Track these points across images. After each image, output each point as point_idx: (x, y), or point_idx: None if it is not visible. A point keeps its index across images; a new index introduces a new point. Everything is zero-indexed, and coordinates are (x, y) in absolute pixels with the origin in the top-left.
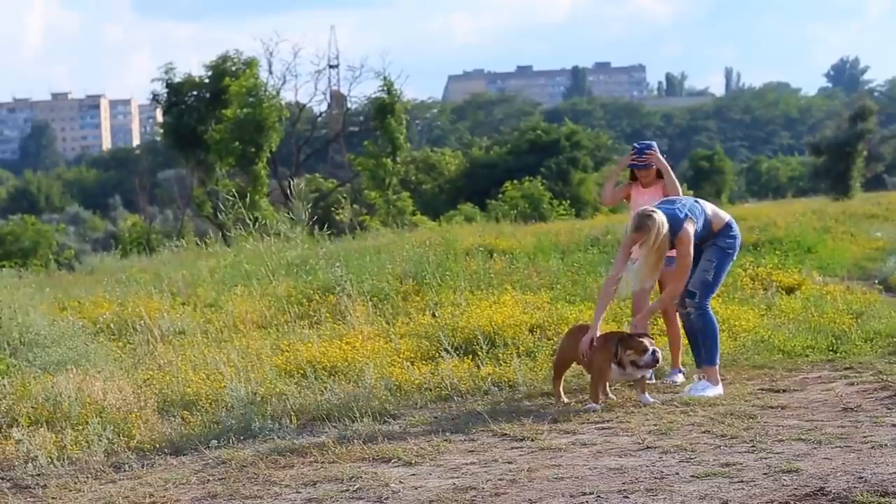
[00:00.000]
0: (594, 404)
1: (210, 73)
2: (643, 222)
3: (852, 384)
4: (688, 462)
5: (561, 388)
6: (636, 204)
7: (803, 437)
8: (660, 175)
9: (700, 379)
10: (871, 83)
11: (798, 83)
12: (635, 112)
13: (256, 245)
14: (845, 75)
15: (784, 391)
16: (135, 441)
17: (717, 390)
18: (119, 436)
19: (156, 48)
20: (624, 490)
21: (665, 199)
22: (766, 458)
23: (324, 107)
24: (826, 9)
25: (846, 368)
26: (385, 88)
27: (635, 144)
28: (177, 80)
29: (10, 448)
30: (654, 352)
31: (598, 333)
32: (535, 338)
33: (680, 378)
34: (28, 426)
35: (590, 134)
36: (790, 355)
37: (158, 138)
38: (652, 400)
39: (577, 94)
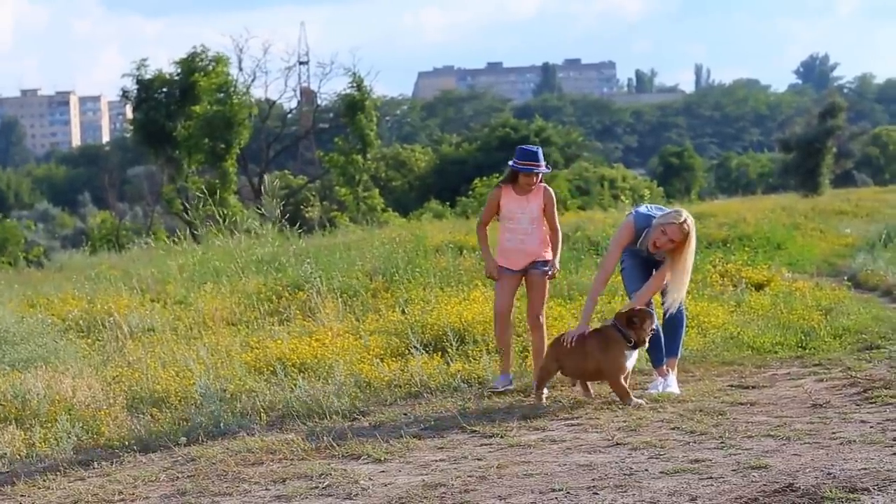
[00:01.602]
0: (635, 400)
1: (179, 70)
2: (690, 228)
3: (821, 380)
4: (657, 458)
5: (543, 394)
6: (509, 210)
7: (772, 433)
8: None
9: (668, 372)
10: (840, 80)
11: (768, 80)
12: (605, 109)
13: (226, 242)
14: (815, 72)
15: (753, 388)
16: (104, 438)
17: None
18: (88, 433)
19: (125, 44)
20: (593, 486)
21: (648, 206)
22: (735, 455)
23: (294, 103)
24: (796, 6)
25: (815, 365)
26: (355, 85)
27: (523, 147)
28: (147, 76)
29: None
30: (651, 310)
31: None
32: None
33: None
34: None
35: (560, 130)
36: (759, 352)
37: (128, 135)
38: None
39: (547, 90)
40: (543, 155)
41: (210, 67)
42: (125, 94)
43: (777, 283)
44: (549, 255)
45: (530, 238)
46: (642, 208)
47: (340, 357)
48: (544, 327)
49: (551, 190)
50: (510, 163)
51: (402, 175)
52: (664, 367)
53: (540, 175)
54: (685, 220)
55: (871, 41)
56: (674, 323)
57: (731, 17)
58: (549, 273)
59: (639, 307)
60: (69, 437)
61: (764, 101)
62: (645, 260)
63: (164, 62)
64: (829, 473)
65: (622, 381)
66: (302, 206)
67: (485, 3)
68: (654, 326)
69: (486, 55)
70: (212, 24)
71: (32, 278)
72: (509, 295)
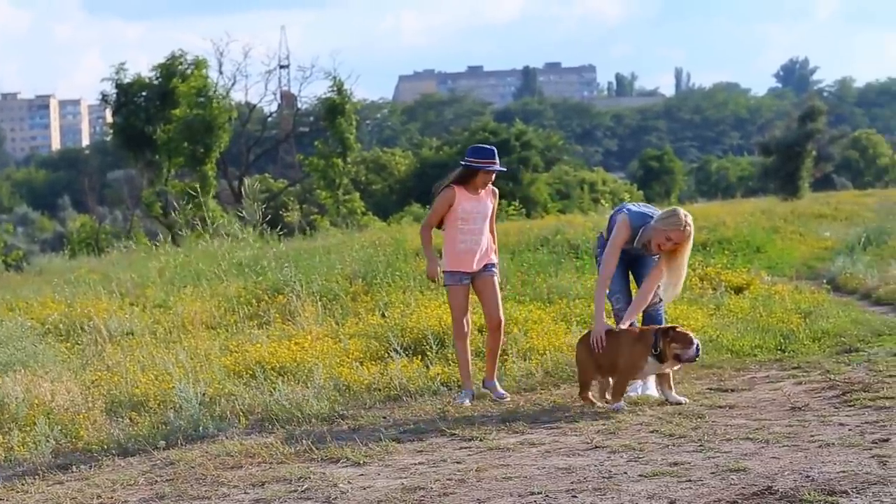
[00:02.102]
0: (619, 404)
1: (159, 74)
2: (691, 229)
3: (800, 383)
4: (636, 461)
5: (591, 395)
6: (464, 211)
7: (751, 436)
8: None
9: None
10: (820, 83)
11: (747, 83)
12: (586, 112)
13: (206, 245)
14: (795, 76)
15: (732, 390)
16: (82, 442)
17: None
18: (66, 437)
19: (106, 48)
20: (572, 489)
21: (636, 204)
22: (713, 458)
23: (274, 107)
24: (775, 10)
25: (794, 368)
26: (335, 89)
27: (482, 147)
28: (126, 80)
29: None
30: (698, 346)
31: (627, 330)
32: (484, 338)
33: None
34: None
35: (540, 134)
36: (738, 355)
37: (108, 139)
38: (684, 399)
39: (527, 94)
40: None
41: (189, 71)
42: (105, 98)
43: (756, 287)
44: (495, 258)
45: (484, 239)
46: (632, 206)
47: (320, 360)
48: (501, 329)
49: (496, 190)
50: (464, 162)
51: (382, 179)
52: None
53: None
54: (687, 224)
55: (851, 45)
56: (653, 323)
57: (711, 21)
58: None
59: (683, 331)
60: (48, 441)
61: (744, 104)
62: (625, 263)
63: (144, 66)
64: (808, 476)
65: (627, 382)
66: (282, 210)
67: (465, 6)
68: (688, 354)
69: (467, 59)
70: (192, 27)
71: (11, 282)
72: (467, 302)
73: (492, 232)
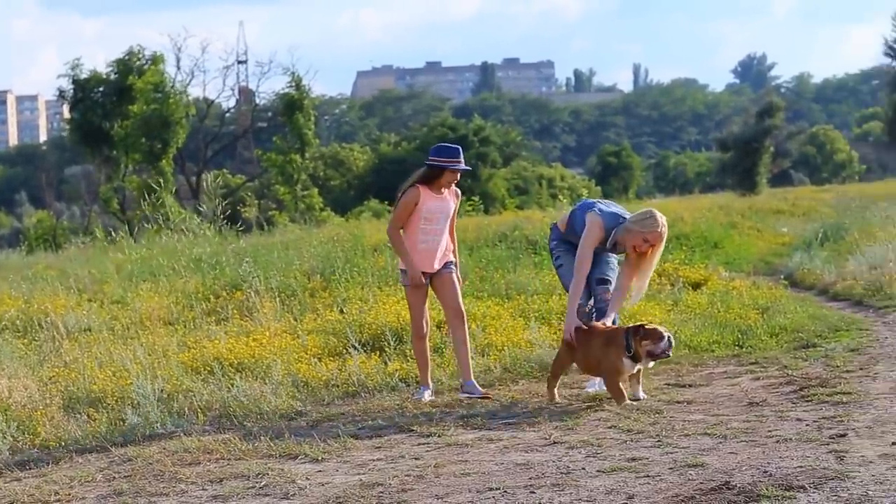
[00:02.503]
0: (626, 401)
1: (115, 70)
2: (666, 230)
3: (758, 379)
4: (594, 457)
5: (555, 390)
6: (429, 210)
7: (709, 431)
8: None
9: None
10: (777, 79)
11: (705, 79)
12: (544, 108)
13: (164, 241)
14: (752, 71)
15: (690, 386)
16: (40, 439)
17: None
18: (24, 433)
19: (63, 43)
20: (530, 485)
21: (605, 203)
22: (671, 453)
23: (232, 103)
24: (733, 6)
25: (752, 363)
26: (294, 84)
27: (447, 146)
28: (83, 76)
29: None
30: (669, 338)
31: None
32: (443, 334)
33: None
34: None
35: (499, 130)
36: (696, 350)
37: (65, 134)
38: (644, 395)
39: (485, 89)
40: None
41: (146, 67)
42: (61, 93)
43: (714, 282)
44: (454, 258)
45: (444, 238)
46: (603, 206)
47: (278, 357)
48: (464, 322)
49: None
50: (429, 161)
51: (340, 174)
52: None
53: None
54: (663, 225)
55: (808, 41)
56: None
57: (669, 16)
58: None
59: (652, 327)
60: (5, 438)
61: (702, 100)
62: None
63: (102, 62)
64: (766, 471)
65: (618, 382)
66: (240, 206)
67: (423, 2)
68: (661, 347)
69: (425, 55)
70: (150, 23)
71: None
72: (426, 302)
73: (452, 232)
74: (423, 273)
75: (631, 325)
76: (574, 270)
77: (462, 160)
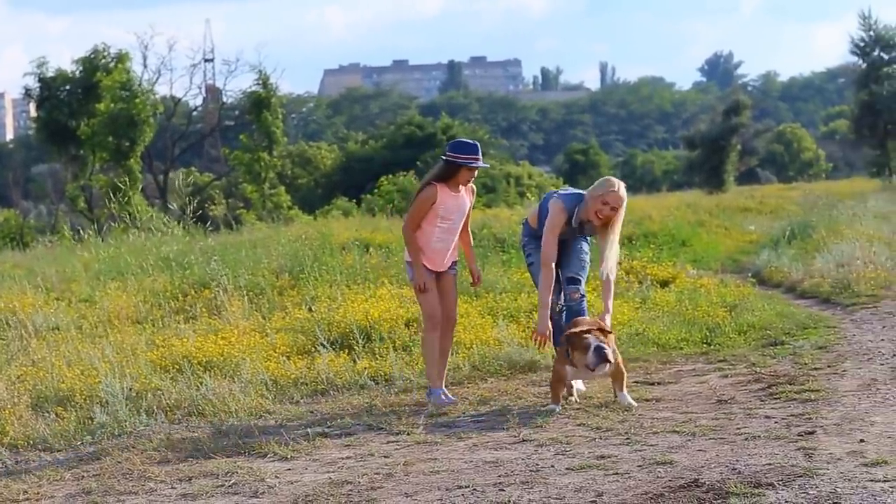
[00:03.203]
0: (553, 405)
1: (82, 68)
2: (624, 193)
3: (726, 376)
4: (563, 455)
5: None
6: (446, 209)
7: (677, 429)
8: None
9: None
10: (744, 77)
11: (672, 77)
12: (511, 106)
13: (132, 240)
14: (719, 70)
15: (658, 384)
16: (8, 438)
17: None
18: None
19: (29, 42)
20: (500, 483)
21: (562, 188)
22: (640, 451)
23: (199, 101)
24: (700, 4)
25: (720, 361)
26: (261, 83)
27: (464, 141)
28: (49, 74)
29: None
30: (596, 349)
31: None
32: (412, 332)
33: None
34: None
35: (466, 128)
36: (665, 348)
37: (32, 133)
38: (631, 400)
39: (452, 88)
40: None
41: (113, 65)
42: (28, 92)
43: (682, 280)
44: (456, 258)
45: (455, 238)
46: (562, 191)
47: (247, 355)
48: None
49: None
50: (446, 157)
51: (308, 173)
52: None
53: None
54: (620, 186)
55: (775, 39)
56: (577, 315)
57: (635, 15)
58: (477, 278)
59: (579, 332)
60: None
61: (669, 98)
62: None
63: (68, 60)
64: (734, 469)
65: (556, 386)
66: (208, 204)
67: (390, 0)
68: (587, 360)
69: (392, 53)
70: (117, 21)
71: None
72: (438, 295)
73: (466, 230)
74: (436, 272)
75: (574, 329)
76: (542, 252)
77: (479, 157)
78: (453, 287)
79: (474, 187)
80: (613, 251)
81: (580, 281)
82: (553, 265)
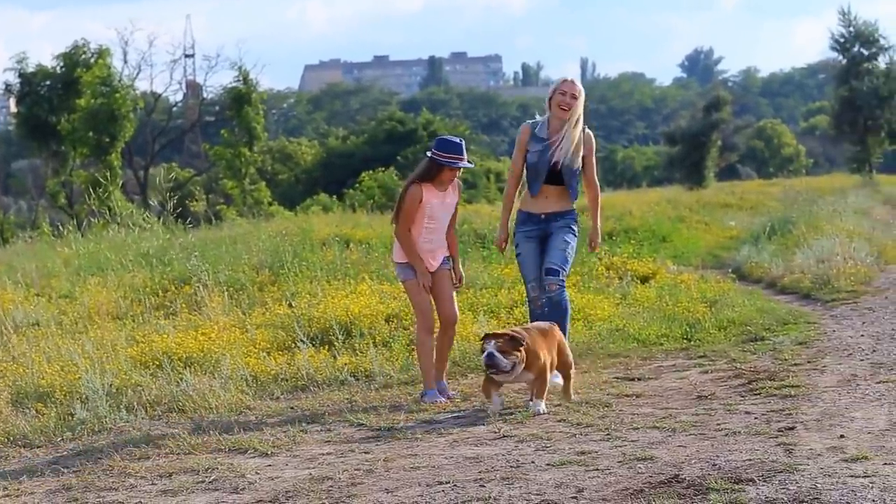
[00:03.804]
0: (487, 404)
1: (62, 63)
2: (578, 83)
3: (706, 372)
4: (543, 450)
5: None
6: (432, 209)
7: (658, 424)
8: None
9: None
10: (725, 73)
11: (653, 73)
12: (492, 102)
13: (112, 236)
14: (699, 66)
15: (639, 379)
16: None
17: None
18: None
19: (9, 37)
20: (480, 479)
21: None
22: (620, 446)
23: (179, 96)
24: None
25: (700, 357)
26: (241, 78)
27: (447, 139)
28: (29, 69)
29: None
30: (487, 355)
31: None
32: (392, 327)
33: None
34: None
35: (447, 123)
36: (645, 344)
37: (12, 128)
38: (543, 408)
39: (433, 83)
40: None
41: (93, 60)
42: (8, 87)
43: (662, 276)
44: (446, 253)
45: (444, 237)
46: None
47: (227, 351)
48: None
49: (461, 183)
50: (430, 155)
51: (288, 168)
52: None
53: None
54: (571, 77)
55: (755, 35)
56: (559, 310)
57: (615, 10)
58: (459, 279)
59: (486, 335)
60: None
61: (649, 94)
62: (539, 242)
63: (48, 55)
64: (715, 464)
65: (484, 385)
66: (188, 200)
67: None
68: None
69: (373, 48)
70: (97, 16)
71: None
72: (430, 294)
73: (452, 227)
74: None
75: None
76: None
77: (463, 157)
78: (448, 283)
79: (460, 183)
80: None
81: (559, 272)
82: (516, 183)
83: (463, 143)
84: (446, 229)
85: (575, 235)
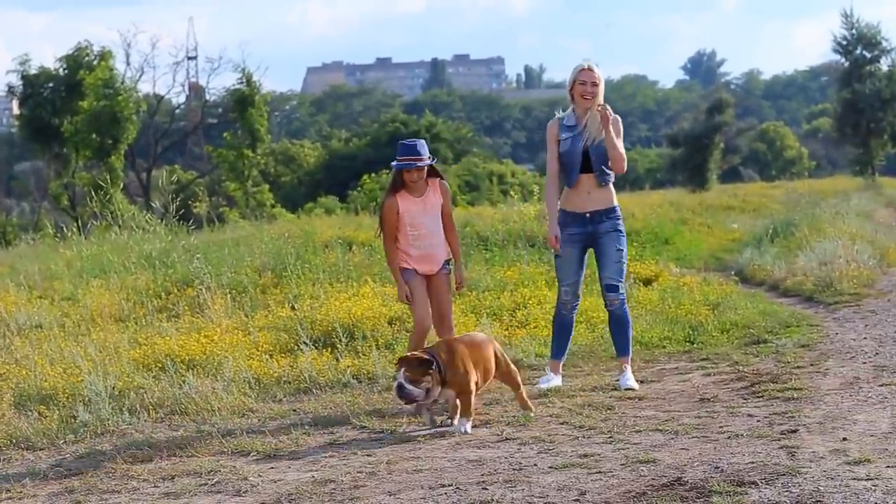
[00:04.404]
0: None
1: (65, 65)
2: (596, 67)
3: (709, 375)
4: (546, 453)
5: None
6: (411, 217)
7: (660, 427)
8: (428, 177)
9: (625, 369)
10: (727, 76)
11: (655, 76)
12: (495, 104)
13: (115, 238)
14: (702, 68)
15: (641, 382)
16: None
17: None
18: None
19: (10, 39)
20: (483, 482)
21: None
22: (623, 449)
23: (182, 99)
24: (682, 1)
25: (703, 359)
26: (244, 80)
27: (402, 142)
28: (32, 71)
29: None
30: (398, 386)
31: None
32: (394, 330)
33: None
34: None
35: (449, 126)
36: (647, 346)
37: (14, 130)
38: (468, 429)
39: (436, 86)
40: (427, 147)
41: (96, 62)
42: (10, 89)
43: (665, 278)
44: (447, 255)
45: (437, 240)
46: None
47: (229, 353)
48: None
49: (446, 183)
50: (393, 163)
51: (291, 170)
52: (624, 360)
53: (425, 169)
54: (586, 62)
55: (757, 37)
56: (623, 324)
57: (617, 12)
58: (459, 283)
59: (409, 362)
60: None
61: (652, 96)
62: (581, 249)
63: (50, 57)
64: (717, 467)
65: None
66: (190, 202)
67: None
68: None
69: (375, 51)
70: (99, 18)
71: None
72: (427, 296)
73: (450, 230)
74: (423, 274)
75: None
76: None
77: (417, 156)
78: (445, 289)
79: (446, 184)
80: (616, 143)
81: (618, 287)
82: (556, 182)
83: (419, 142)
84: (443, 232)
85: (624, 236)
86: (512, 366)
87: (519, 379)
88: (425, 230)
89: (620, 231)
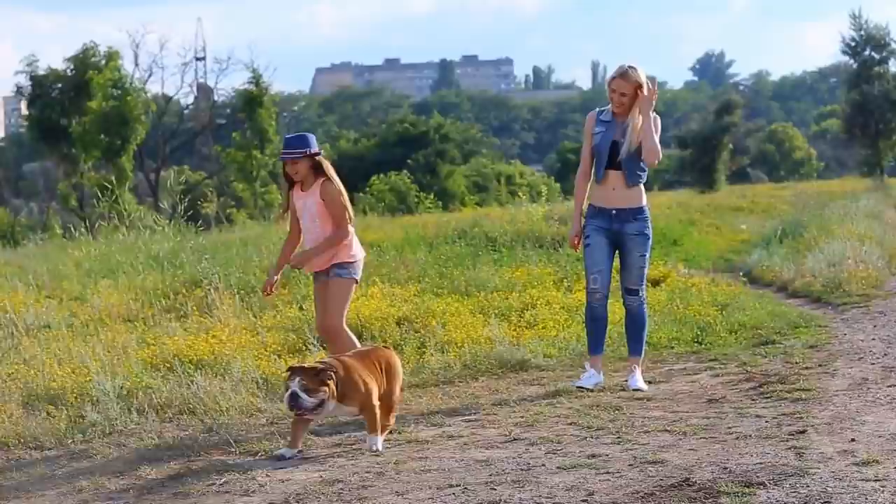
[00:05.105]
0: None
1: (73, 66)
2: (636, 74)
3: (717, 375)
4: (554, 454)
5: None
6: (298, 211)
7: (668, 428)
8: (317, 174)
9: (635, 370)
10: (736, 77)
11: (664, 76)
12: (503, 105)
13: (124, 238)
14: (711, 69)
15: (650, 383)
16: None
17: None
18: None
19: (19, 39)
20: (491, 482)
21: None
22: (631, 450)
23: (190, 99)
24: (691, 2)
25: (711, 360)
26: (253, 81)
27: (286, 137)
28: (40, 72)
29: None
30: (290, 394)
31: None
32: (403, 330)
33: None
34: None
35: (458, 126)
36: (656, 347)
37: (23, 131)
38: (380, 446)
39: (444, 86)
40: (313, 141)
41: (104, 63)
42: (19, 90)
43: (673, 279)
44: (348, 258)
45: (311, 237)
46: None
47: (238, 353)
48: (339, 341)
49: (331, 184)
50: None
51: None
52: (635, 361)
53: (305, 163)
54: (626, 68)
55: (766, 38)
56: (638, 323)
57: (626, 13)
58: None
59: (290, 367)
60: None
61: (660, 97)
62: (610, 240)
63: (59, 57)
64: (725, 468)
65: (294, 424)
66: (199, 202)
67: None
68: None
69: (384, 51)
70: (108, 19)
71: None
72: (319, 302)
73: (335, 225)
74: (316, 273)
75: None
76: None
77: (288, 149)
78: (330, 294)
79: (330, 185)
80: (649, 136)
81: (638, 291)
82: (585, 177)
83: (303, 136)
84: (319, 232)
85: (650, 239)
86: (397, 388)
87: (395, 408)
88: (309, 224)
89: (647, 235)
